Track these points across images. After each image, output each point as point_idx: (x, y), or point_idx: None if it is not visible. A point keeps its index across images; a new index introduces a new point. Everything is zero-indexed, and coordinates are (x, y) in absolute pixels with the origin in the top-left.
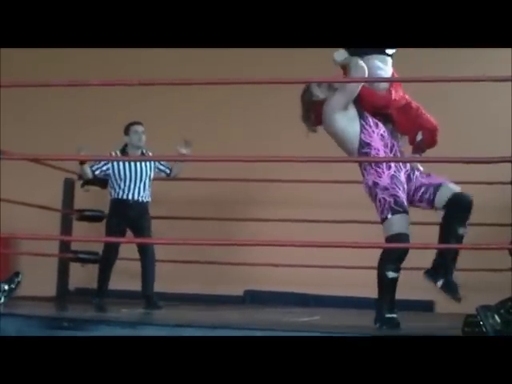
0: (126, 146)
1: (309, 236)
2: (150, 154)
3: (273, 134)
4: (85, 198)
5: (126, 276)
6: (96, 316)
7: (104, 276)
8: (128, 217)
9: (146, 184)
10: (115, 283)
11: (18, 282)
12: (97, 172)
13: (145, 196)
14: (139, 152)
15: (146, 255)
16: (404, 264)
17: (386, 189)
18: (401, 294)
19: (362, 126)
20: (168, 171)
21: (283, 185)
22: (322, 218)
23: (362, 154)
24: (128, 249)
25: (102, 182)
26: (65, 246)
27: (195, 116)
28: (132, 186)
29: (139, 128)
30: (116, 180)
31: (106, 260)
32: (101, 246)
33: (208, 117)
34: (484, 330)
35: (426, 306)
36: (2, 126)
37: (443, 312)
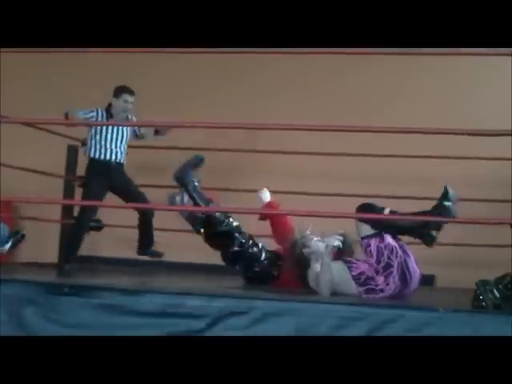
0: (110, 105)
1: (307, 208)
2: (134, 118)
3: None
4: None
5: (125, 243)
6: (97, 282)
7: (78, 241)
8: (111, 178)
9: (125, 146)
10: (114, 251)
11: (23, 236)
12: (82, 116)
13: (123, 158)
14: (124, 115)
15: (146, 214)
16: (406, 239)
17: None
18: None
19: (348, 267)
20: (138, 133)
21: (282, 155)
22: (323, 191)
23: (366, 288)
24: (123, 214)
25: None
26: (67, 213)
27: (195, 83)
28: (113, 146)
29: (129, 98)
30: (98, 139)
31: (83, 224)
32: (103, 213)
33: (211, 86)
34: (484, 304)
35: (427, 280)
36: (2, 95)
37: (443, 286)
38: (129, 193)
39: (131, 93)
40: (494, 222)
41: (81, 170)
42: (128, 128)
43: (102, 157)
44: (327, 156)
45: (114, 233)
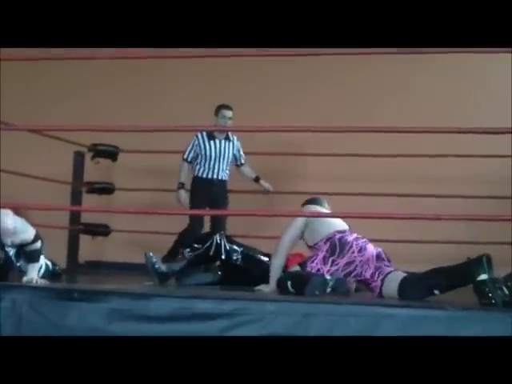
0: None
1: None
2: (235, 138)
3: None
4: (95, 171)
5: (132, 248)
6: (106, 287)
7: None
8: (211, 194)
9: (228, 164)
10: (122, 255)
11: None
12: (190, 158)
13: (225, 175)
14: (224, 135)
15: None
16: (416, 237)
17: None
18: (410, 266)
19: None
20: (239, 163)
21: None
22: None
23: None
24: (142, 220)
25: (112, 154)
26: (75, 219)
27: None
28: (216, 165)
29: (227, 113)
30: (202, 159)
31: (191, 233)
32: (111, 219)
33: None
34: (493, 301)
35: None
36: (2, 100)
37: None
38: (217, 208)
39: (227, 107)
40: (495, 219)
41: (87, 175)
42: (231, 150)
43: (205, 175)
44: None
45: (122, 238)
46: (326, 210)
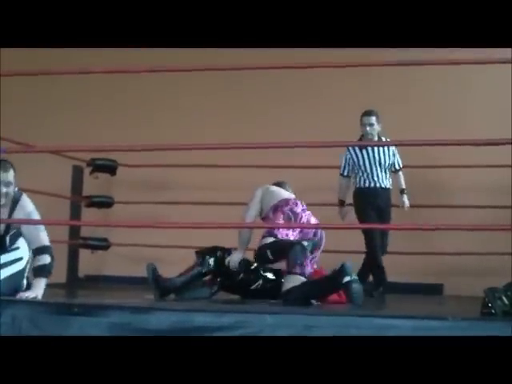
0: (362, 135)
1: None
2: (386, 139)
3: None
4: (94, 185)
5: (132, 262)
6: (106, 302)
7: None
8: (376, 204)
9: (387, 171)
10: (121, 269)
11: None
12: (347, 172)
13: (387, 183)
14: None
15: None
16: (415, 249)
17: None
18: (412, 277)
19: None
20: (394, 168)
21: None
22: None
23: None
24: (141, 233)
25: (111, 168)
26: (74, 233)
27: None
28: (375, 173)
29: (366, 120)
30: (360, 170)
31: (375, 249)
32: (110, 233)
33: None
34: (493, 311)
35: (436, 289)
36: (2, 115)
37: (451, 294)
38: (382, 219)
39: (367, 113)
40: (495, 228)
41: (86, 190)
42: (387, 155)
43: (367, 185)
44: None
45: (121, 252)
46: (288, 192)
